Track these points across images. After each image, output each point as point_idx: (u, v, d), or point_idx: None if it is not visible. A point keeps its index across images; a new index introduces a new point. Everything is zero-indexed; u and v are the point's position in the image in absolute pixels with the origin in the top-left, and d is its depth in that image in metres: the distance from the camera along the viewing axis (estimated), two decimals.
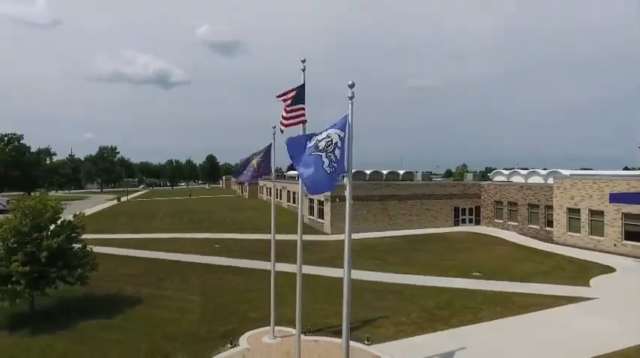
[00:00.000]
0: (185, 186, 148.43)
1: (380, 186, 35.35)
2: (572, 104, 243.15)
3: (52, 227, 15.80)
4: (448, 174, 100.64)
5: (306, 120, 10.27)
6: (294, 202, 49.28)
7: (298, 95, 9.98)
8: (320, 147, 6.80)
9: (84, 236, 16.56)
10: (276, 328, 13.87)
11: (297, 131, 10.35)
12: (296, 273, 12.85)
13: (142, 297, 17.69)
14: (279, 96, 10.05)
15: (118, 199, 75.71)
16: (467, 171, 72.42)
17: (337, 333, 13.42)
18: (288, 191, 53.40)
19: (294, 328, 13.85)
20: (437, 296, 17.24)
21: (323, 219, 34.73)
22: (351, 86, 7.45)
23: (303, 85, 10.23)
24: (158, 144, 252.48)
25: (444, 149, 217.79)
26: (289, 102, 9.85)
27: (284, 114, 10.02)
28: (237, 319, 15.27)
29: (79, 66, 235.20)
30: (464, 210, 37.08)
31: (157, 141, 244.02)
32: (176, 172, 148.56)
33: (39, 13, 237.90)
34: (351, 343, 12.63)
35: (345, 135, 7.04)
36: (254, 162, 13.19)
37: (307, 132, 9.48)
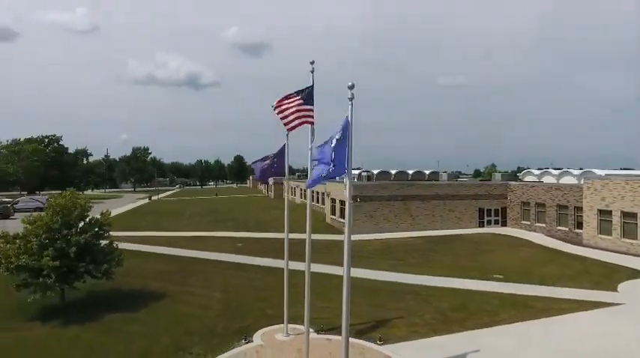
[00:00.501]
0: (214, 186, 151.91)
1: (402, 186, 35.11)
2: (617, 103, 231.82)
3: (82, 224, 16.72)
4: (477, 174, 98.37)
5: (313, 122, 10.46)
6: (317, 202, 49.61)
7: (307, 96, 10.17)
8: (328, 152, 7.04)
9: (116, 233, 17.43)
10: (291, 326, 14.19)
11: (301, 131, 10.57)
12: (314, 273, 13.11)
13: (166, 293, 18.40)
14: (284, 98, 10.18)
15: (149, 198, 78.45)
16: (495, 171, 70.59)
17: (350, 333, 13.61)
18: (312, 191, 53.77)
19: (310, 326, 14.15)
20: (453, 298, 17.07)
21: (344, 218, 34.81)
22: (351, 87, 7.62)
23: (312, 86, 10.44)
24: (188, 145, 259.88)
25: (478, 149, 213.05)
26: (294, 102, 9.97)
27: (287, 114, 10.08)
28: (254, 316, 15.68)
29: (114, 70, 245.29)
30: (489, 211, 36.26)
31: (187, 141, 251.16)
32: (205, 172, 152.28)
33: (79, 20, 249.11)
34: (363, 342, 12.86)
35: (342, 136, 7.21)
36: (267, 162, 13.55)
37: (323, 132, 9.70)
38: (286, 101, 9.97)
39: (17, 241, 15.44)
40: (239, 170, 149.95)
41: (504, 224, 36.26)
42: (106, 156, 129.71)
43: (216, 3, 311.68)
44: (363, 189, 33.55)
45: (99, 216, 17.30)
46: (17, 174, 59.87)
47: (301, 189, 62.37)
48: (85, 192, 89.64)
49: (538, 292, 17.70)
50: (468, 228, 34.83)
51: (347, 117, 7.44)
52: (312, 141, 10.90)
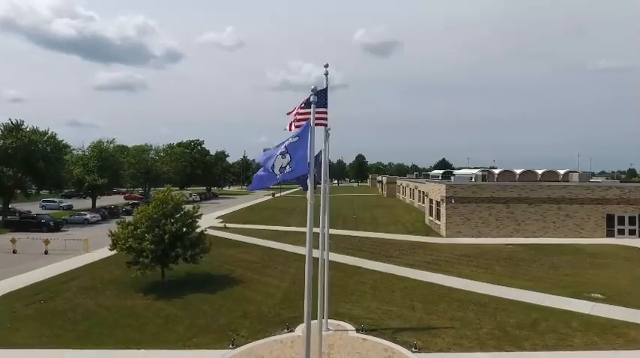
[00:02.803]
0: (336, 185, 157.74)
1: (505, 187, 31.66)
2: None
3: (178, 216, 19.81)
4: (631, 173, 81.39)
5: (327, 124, 10.69)
6: (423, 202, 47.95)
7: (320, 98, 10.42)
8: (275, 154, 7.39)
9: (231, 224, 20.12)
10: (335, 322, 14.60)
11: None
12: (391, 274, 13.33)
13: (244, 280, 20.52)
14: (301, 107, 10.49)
15: (273, 195, 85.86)
16: None
17: (390, 335, 13.40)
18: (419, 191, 52.13)
19: (353, 324, 14.40)
20: (525, 314, 15.20)
21: (440, 220, 33.14)
22: (313, 90, 7.82)
23: (326, 89, 10.69)
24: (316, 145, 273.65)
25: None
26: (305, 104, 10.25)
27: (297, 115, 10.36)
28: (311, 309, 16.46)
29: (255, 79, 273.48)
30: (621, 218, 30.20)
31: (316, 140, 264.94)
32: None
33: (227, 37, 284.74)
34: (396, 347, 12.61)
35: (300, 137, 7.45)
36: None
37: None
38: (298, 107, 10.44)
39: (129, 227, 19.14)
40: (360, 169, 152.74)
41: None
42: (244, 157, 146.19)
43: (343, 8, 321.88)
44: (458, 190, 31.37)
45: (190, 209, 20.27)
46: (169, 173, 72.18)
47: (411, 189, 60.89)
48: (224, 189, 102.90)
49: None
50: (591, 238, 29.65)
51: (308, 121, 7.66)
52: (325, 142, 11.18)
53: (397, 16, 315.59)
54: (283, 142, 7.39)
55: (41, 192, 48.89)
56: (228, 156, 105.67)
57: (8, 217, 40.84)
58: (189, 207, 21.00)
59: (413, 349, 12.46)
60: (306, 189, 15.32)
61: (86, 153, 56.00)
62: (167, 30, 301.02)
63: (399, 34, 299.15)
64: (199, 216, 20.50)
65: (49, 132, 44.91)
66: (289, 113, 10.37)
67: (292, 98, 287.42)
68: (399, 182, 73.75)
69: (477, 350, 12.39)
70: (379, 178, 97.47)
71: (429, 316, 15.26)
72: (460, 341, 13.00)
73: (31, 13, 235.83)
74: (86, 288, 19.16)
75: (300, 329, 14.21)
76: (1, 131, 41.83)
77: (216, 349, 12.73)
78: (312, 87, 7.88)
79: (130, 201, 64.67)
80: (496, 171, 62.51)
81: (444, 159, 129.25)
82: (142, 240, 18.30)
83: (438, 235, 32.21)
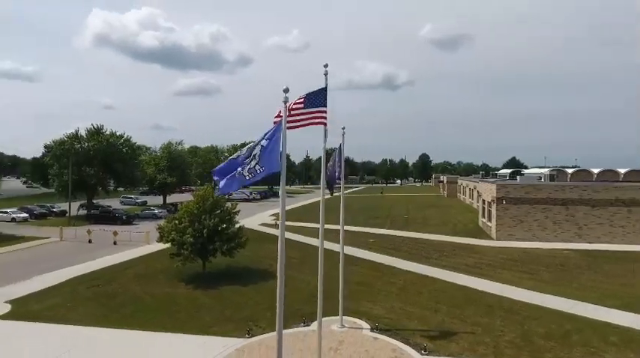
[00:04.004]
0: (399, 184, 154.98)
1: (563, 188, 29.07)
2: None
3: (217, 212, 21.14)
4: None
5: (326, 123, 10.83)
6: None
7: (320, 97, 10.57)
8: (241, 159, 7.75)
9: (288, 223, 21.07)
10: (351, 319, 14.79)
11: (309, 130, 11.04)
12: (424, 276, 13.47)
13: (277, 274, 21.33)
14: (293, 102, 10.64)
15: (331, 194, 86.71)
16: None
17: (403, 336, 13.26)
18: (478, 191, 49.63)
19: (370, 323, 14.47)
20: (558, 324, 14.13)
21: (491, 222, 31.40)
22: (286, 91, 8.11)
23: (325, 87, 10.84)
24: (380, 144, 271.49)
25: None
26: (302, 103, 10.39)
27: (297, 114, 10.46)
28: (331, 305, 16.69)
29: (320, 79, 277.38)
30: None
31: (379, 140, 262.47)
32: (390, 171, 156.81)
33: (293, 40, 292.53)
34: (405, 347, 12.56)
35: (270, 142, 7.77)
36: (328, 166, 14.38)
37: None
38: (293, 106, 10.59)
39: (173, 221, 20.84)
40: (423, 169, 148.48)
41: None
42: (306, 156, 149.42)
43: (408, 4, 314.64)
44: (510, 190, 29.44)
45: (228, 206, 21.53)
46: None
47: (470, 189, 58.12)
48: (286, 187, 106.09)
49: None
50: None
51: (280, 121, 7.96)
52: (325, 142, 11.39)
53: (467, 9, 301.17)
54: (254, 146, 7.78)
55: (118, 189, 54.32)
56: (289, 155, 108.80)
57: (91, 211, 46.08)
58: (228, 204, 22.27)
59: (422, 351, 12.25)
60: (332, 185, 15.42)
61: (158, 154, 61.21)
62: (238, 36, 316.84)
63: (469, 27, 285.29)
64: (237, 213, 21.70)
65: (125, 135, 49.91)
66: (288, 111, 10.54)
67: (357, 97, 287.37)
68: (459, 182, 70.63)
69: None
70: (441, 178, 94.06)
71: (450, 320, 14.79)
72: (475, 348, 12.50)
73: (122, 28, 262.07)
74: (138, 276, 21.20)
75: (314, 324, 14.57)
76: (85, 135, 47.33)
77: (233, 337, 13.55)
78: (284, 87, 8.20)
79: None
80: (569, 171, 57.41)
81: (514, 157, 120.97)
82: (183, 233, 19.84)
83: (489, 238, 30.56)
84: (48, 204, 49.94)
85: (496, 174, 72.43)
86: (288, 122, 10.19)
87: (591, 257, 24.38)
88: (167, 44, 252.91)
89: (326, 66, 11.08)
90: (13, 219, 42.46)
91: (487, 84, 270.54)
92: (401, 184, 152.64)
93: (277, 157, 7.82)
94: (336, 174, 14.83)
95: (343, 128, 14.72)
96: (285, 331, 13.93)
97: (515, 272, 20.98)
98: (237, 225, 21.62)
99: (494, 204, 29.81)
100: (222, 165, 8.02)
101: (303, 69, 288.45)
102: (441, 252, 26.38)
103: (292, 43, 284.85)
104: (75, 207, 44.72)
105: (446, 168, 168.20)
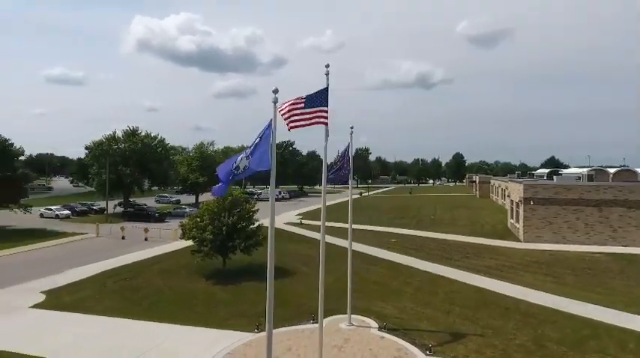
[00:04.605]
0: (432, 184, 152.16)
1: (597, 188, 27.59)
2: None
3: (237, 210, 21.74)
4: None
5: (327, 122, 10.97)
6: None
7: (320, 97, 10.72)
8: (240, 161, 8.06)
9: (308, 221, 21.74)
10: (362, 318, 14.85)
11: (312, 130, 11.18)
12: (442, 277, 13.52)
13: (296, 273, 21.65)
14: (293, 102, 10.80)
15: (360, 194, 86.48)
16: None
17: (409, 337, 13.19)
18: (507, 191, 48.00)
19: (379, 322, 14.49)
20: (574, 329, 13.61)
21: (519, 223, 30.34)
22: (275, 91, 8.33)
23: (327, 88, 10.99)
24: (413, 143, 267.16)
25: None
26: (303, 103, 10.54)
27: (299, 113, 10.59)
28: (343, 303, 16.87)
29: (354, 80, 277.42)
30: None
31: (412, 140, 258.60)
32: (422, 171, 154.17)
33: (327, 40, 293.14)
34: (410, 347, 12.57)
35: (261, 139, 8.02)
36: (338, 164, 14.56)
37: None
38: (289, 104, 10.74)
39: (195, 219, 21.62)
40: (457, 168, 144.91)
41: None
42: (337, 156, 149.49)
43: (443, 1, 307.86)
44: (538, 190, 28.32)
45: (247, 205, 22.08)
46: (262, 172, 77.88)
47: (502, 190, 56.24)
48: (316, 187, 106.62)
49: None
50: None
51: (270, 120, 8.19)
52: (326, 141, 11.55)
53: (505, 3, 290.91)
54: (249, 147, 8.10)
55: (153, 188, 56.69)
56: (318, 155, 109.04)
57: (127, 209, 48.37)
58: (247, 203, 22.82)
59: (427, 352, 12.16)
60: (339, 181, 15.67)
61: (190, 154, 63.34)
62: (272, 38, 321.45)
63: (508, 22, 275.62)
64: (255, 211, 22.23)
65: (159, 136, 52.06)
66: (283, 110, 10.68)
67: (392, 97, 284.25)
68: (492, 182, 68.46)
69: None
70: (473, 178, 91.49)
71: (461, 321, 14.56)
72: (483, 350, 12.27)
73: (162, 34, 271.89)
74: (163, 271, 22.15)
75: (324, 322, 14.69)
76: (122, 136, 49.76)
77: (242, 331, 13.98)
78: (274, 88, 8.42)
79: None
80: (611, 171, 54.30)
81: (553, 157, 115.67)
82: (203, 230, 20.55)
83: (517, 239, 29.55)
84: (88, 202, 52.85)
85: (533, 174, 69.75)
86: (291, 121, 10.44)
87: (625, 261, 23.12)
88: (204, 47, 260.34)
89: (327, 66, 11.23)
90: (57, 216, 45.23)
91: (528, 80, 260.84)
92: (433, 184, 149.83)
93: (267, 155, 8.07)
94: (344, 172, 14.90)
95: (351, 127, 14.82)
96: (293, 327, 14.34)
97: (538, 275, 20.26)
98: (256, 224, 22.14)
99: (522, 205, 28.80)
100: (222, 165, 8.35)
101: (337, 69, 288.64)
102: (464, 253, 25.84)
103: (327, 43, 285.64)
104: (112, 205, 47.12)
105: (481, 167, 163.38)
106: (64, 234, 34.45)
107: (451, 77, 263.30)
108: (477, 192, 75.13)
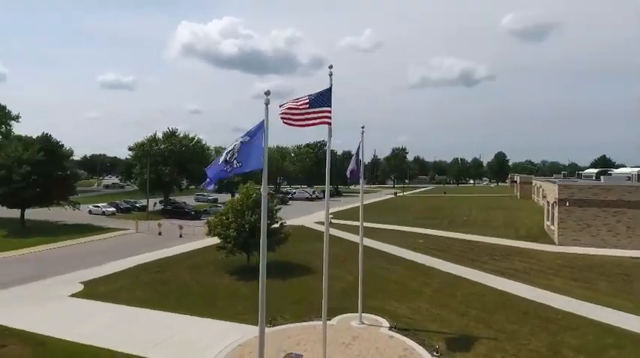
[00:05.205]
0: (472, 184, 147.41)
1: (637, 189, 25.78)
2: None
3: (259, 209, 22.41)
4: None
5: (330, 122, 11.16)
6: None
7: (324, 98, 10.94)
8: (224, 158, 8.49)
9: (337, 221, 22.01)
10: (374, 317, 14.95)
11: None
12: (464, 278, 13.61)
13: (317, 271, 21.85)
14: (299, 101, 11.04)
15: (395, 194, 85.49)
16: None
17: (419, 337, 13.15)
18: (544, 192, 45.79)
19: (390, 321, 14.54)
20: (596, 337, 13.02)
21: (554, 225, 28.97)
22: (267, 93, 8.64)
23: (330, 88, 11.18)
24: (453, 142, 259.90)
25: None
26: (308, 103, 10.78)
27: (303, 113, 10.82)
28: (357, 302, 17.03)
29: (392, 78, 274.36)
30: None
31: (452, 139, 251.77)
32: (462, 170, 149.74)
33: (365, 40, 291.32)
34: (418, 348, 12.66)
35: (251, 139, 8.37)
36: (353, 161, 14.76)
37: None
38: (295, 104, 11.00)
39: (221, 217, 22.49)
40: (499, 168, 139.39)
41: None
42: (374, 156, 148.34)
43: None
44: (574, 191, 26.89)
45: (270, 204, 22.67)
46: (296, 171, 78.85)
47: (543, 190, 53.67)
48: (351, 186, 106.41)
49: None
50: None
51: (262, 120, 8.50)
52: (329, 141, 11.76)
53: None
54: (233, 146, 8.48)
55: (190, 187, 59.03)
56: (352, 155, 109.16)
57: (167, 206, 50.78)
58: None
59: (434, 353, 12.08)
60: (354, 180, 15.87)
61: None
62: (312, 38, 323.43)
63: (556, 14, 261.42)
64: (279, 210, 22.80)
65: (196, 137, 54.20)
66: (282, 105, 10.95)
67: (432, 94, 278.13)
68: (534, 182, 65.46)
69: None
70: (514, 178, 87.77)
71: (475, 324, 14.30)
72: (493, 354, 12.05)
73: (205, 38, 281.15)
74: (192, 266, 23.22)
75: (335, 319, 15.00)
76: (162, 137, 52.25)
77: (256, 325, 14.41)
78: (266, 90, 8.73)
79: None
80: None
81: (604, 156, 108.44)
82: (227, 228, 21.36)
83: (551, 242, 28.25)
84: (132, 200, 55.95)
85: (580, 174, 66.07)
86: (295, 121, 10.76)
87: None
88: (246, 50, 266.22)
89: (331, 67, 11.44)
90: (103, 213, 48.30)
91: (578, 75, 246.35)
92: (474, 184, 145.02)
93: (259, 156, 8.42)
94: (355, 171, 15.03)
95: (362, 127, 14.94)
96: (305, 323, 14.68)
97: (568, 280, 19.38)
98: (279, 222, 22.70)
99: (557, 206, 27.49)
100: (212, 164, 8.84)
101: (377, 68, 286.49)
102: (492, 255, 25.10)
103: (365, 43, 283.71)
104: (153, 203, 49.63)
105: (526, 167, 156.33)
106: (107, 230, 36.80)
107: (494, 73, 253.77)
108: (518, 193, 72.14)
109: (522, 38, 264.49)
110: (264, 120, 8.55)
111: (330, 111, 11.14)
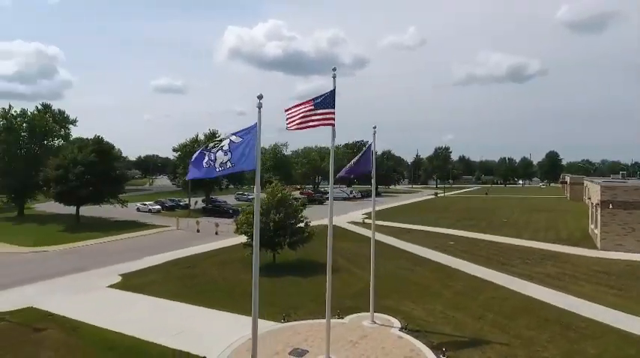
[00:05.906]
0: (520, 185, 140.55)
1: None
2: None
3: (284, 208, 22.99)
4: None
5: (334, 124, 11.38)
6: None
7: (328, 100, 11.20)
8: (208, 148, 8.99)
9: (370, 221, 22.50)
10: (386, 318, 15.03)
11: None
12: (488, 282, 13.91)
13: (339, 270, 22.11)
14: (303, 104, 11.34)
15: (435, 194, 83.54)
16: None
17: (428, 339, 13.08)
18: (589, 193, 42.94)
19: (403, 322, 14.56)
20: (618, 347, 12.34)
21: (597, 229, 27.24)
22: (260, 97, 9.03)
23: (334, 90, 11.42)
24: (502, 141, 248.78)
25: None
26: (312, 105, 11.09)
27: (306, 115, 11.14)
28: (376, 301, 17.09)
29: (436, 75, 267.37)
30: None
31: (501, 138, 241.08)
32: (510, 170, 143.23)
33: (409, 37, 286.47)
34: (425, 349, 12.78)
35: (243, 140, 8.78)
36: (353, 160, 14.92)
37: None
38: (295, 108, 11.37)
39: (247, 215, 23.34)
40: (551, 168, 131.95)
41: None
42: (416, 155, 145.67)
43: None
44: (618, 192, 25.10)
45: (295, 203, 23.26)
46: (335, 172, 79.04)
47: (588, 190, 50.30)
48: (391, 187, 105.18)
49: None
50: None
51: (255, 122, 8.90)
52: (333, 141, 12.01)
53: None
54: (223, 139, 8.95)
55: (229, 186, 61.19)
56: (393, 154, 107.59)
57: (207, 205, 53.00)
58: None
59: (441, 356, 11.99)
60: (347, 178, 16.16)
61: (265, 154, 67.12)
62: (354, 38, 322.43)
63: (616, 3, 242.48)
64: (302, 209, 23.31)
65: None
66: (293, 112, 11.36)
67: (477, 91, 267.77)
68: (585, 183, 61.39)
69: None
70: (565, 178, 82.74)
71: (490, 329, 13.97)
72: (502, 357, 11.74)
73: (251, 41, 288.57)
74: (220, 262, 24.28)
75: (348, 318, 15.22)
76: (203, 138, 54.63)
77: (270, 320, 14.99)
78: (258, 94, 9.11)
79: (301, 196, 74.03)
80: None
81: None
82: (253, 225, 22.14)
83: (593, 247, 26.59)
84: (176, 199, 58.93)
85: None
86: (299, 123, 11.16)
87: None
88: (289, 52, 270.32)
89: (334, 69, 11.68)
90: (150, 210, 51.30)
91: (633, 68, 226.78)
92: (522, 185, 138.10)
93: (252, 157, 8.86)
94: (355, 171, 15.12)
95: (374, 127, 15.03)
96: (314, 321, 15.01)
97: (601, 287, 18.29)
98: (303, 221, 23.20)
99: (599, 209, 25.85)
100: (195, 155, 9.39)
101: (420, 66, 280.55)
102: (524, 259, 24.11)
103: (408, 40, 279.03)
104: (194, 201, 52.00)
105: (581, 167, 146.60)
106: (151, 226, 39.17)
107: (546, 68, 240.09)
108: (568, 194, 68.06)
109: (578, 30, 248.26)
110: (257, 123, 8.99)
111: (333, 113, 11.38)
